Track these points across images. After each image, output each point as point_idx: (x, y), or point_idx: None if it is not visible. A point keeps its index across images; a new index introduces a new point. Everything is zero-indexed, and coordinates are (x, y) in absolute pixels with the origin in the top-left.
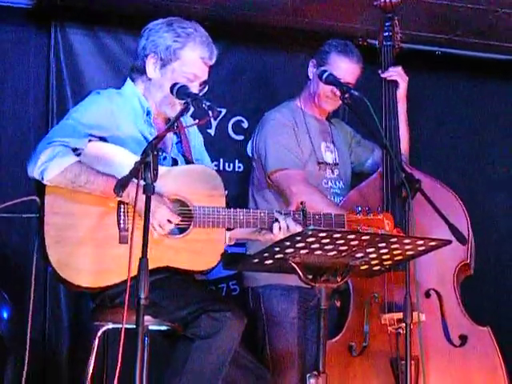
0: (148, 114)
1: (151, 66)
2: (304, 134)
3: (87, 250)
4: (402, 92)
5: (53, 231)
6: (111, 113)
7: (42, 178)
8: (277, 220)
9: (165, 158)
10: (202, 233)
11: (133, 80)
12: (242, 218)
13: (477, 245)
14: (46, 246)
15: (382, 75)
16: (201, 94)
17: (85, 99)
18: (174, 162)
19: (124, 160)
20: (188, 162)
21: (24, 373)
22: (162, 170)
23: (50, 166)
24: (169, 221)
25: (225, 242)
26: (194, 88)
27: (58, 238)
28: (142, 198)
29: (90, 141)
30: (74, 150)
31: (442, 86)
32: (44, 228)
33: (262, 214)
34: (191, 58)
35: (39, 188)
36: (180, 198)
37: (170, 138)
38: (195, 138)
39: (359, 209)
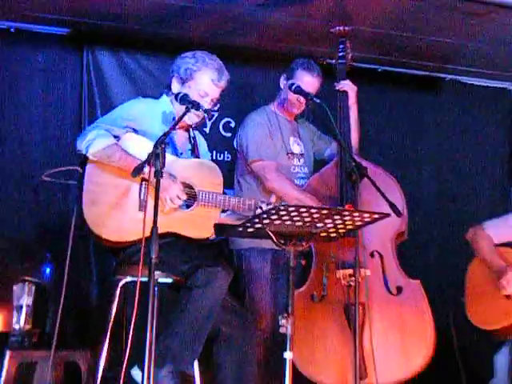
0: (173, 119)
1: (175, 84)
2: (277, 131)
3: (114, 213)
4: (351, 99)
5: (89, 196)
6: (145, 113)
7: (87, 151)
8: (260, 207)
9: (181, 154)
10: (202, 210)
11: (166, 94)
12: (234, 203)
13: (409, 217)
14: (83, 207)
15: (337, 87)
16: (215, 109)
17: (128, 101)
18: None
19: (146, 149)
20: None
21: (58, 316)
22: (178, 161)
23: (95, 142)
24: (178, 197)
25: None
26: (205, 103)
27: (92, 201)
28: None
29: (126, 132)
30: (115, 136)
31: (383, 97)
32: (83, 193)
33: (250, 202)
34: (203, 80)
35: (82, 161)
36: (188, 182)
37: (184, 143)
38: (202, 145)
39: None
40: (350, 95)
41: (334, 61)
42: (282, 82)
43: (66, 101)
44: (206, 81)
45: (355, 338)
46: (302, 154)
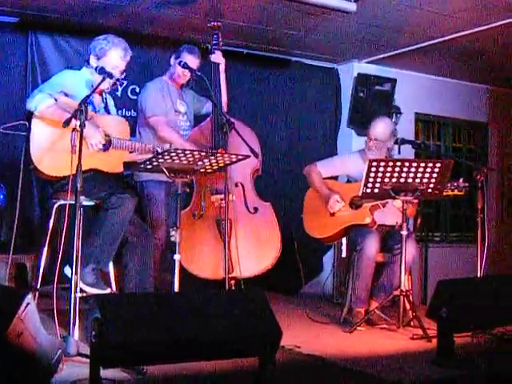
0: (92, 86)
1: (92, 59)
2: (167, 95)
3: (53, 154)
4: (222, 68)
5: (34, 141)
6: (73, 81)
7: (36, 109)
8: (157, 151)
9: (98, 111)
10: (115, 152)
11: (86, 66)
12: (138, 147)
13: (263, 158)
14: (30, 151)
15: (211, 59)
16: (121, 77)
17: (59, 72)
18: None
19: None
20: None
21: (14, 228)
22: (98, 116)
23: (41, 102)
24: (99, 143)
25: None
26: (116, 74)
27: (37, 144)
28: (88, 129)
29: (61, 95)
30: (55, 99)
31: (247, 73)
32: (30, 141)
33: (149, 146)
34: (113, 56)
35: (28, 117)
36: (106, 131)
37: (99, 103)
38: (111, 104)
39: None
40: (221, 66)
41: (209, 45)
42: (172, 61)
43: (15, 74)
44: (115, 57)
45: (225, 244)
46: (185, 113)
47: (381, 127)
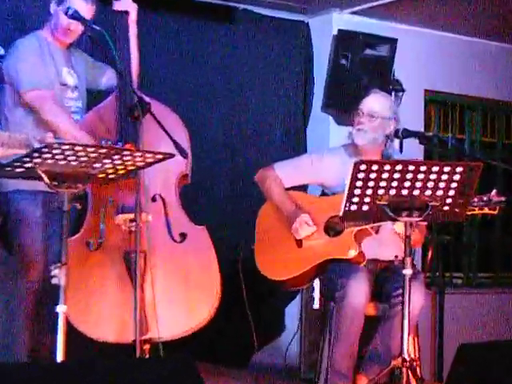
0: None
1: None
2: (49, 60)
3: None
4: (132, 17)
5: None
6: None
7: None
8: (32, 145)
9: None
10: None
11: None
12: (3, 139)
13: (194, 158)
14: None
15: (115, 7)
16: None
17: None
18: None
19: None
20: None
21: None
22: None
23: None
24: None
25: None
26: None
27: None
28: None
29: None
30: None
31: (169, 26)
32: None
33: (21, 138)
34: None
35: None
36: None
37: None
38: None
39: None
40: (130, 16)
41: None
42: (54, 7)
43: None
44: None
45: (136, 289)
46: (76, 87)
47: (377, 98)
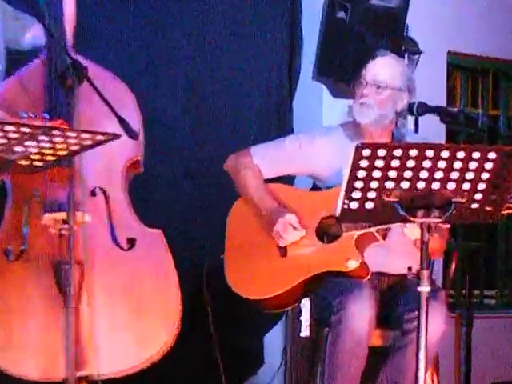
0: None
1: None
2: None
3: None
4: None
5: None
6: None
7: None
8: None
9: None
10: None
11: None
12: None
13: (147, 141)
14: None
15: None
16: None
17: None
18: None
19: None
20: None
21: None
22: None
23: None
24: None
25: None
26: None
27: None
28: None
29: None
30: None
31: None
32: None
33: None
34: None
35: None
36: None
37: None
38: None
39: None
40: None
41: None
42: None
43: None
44: None
45: (68, 312)
46: None
47: (386, 63)
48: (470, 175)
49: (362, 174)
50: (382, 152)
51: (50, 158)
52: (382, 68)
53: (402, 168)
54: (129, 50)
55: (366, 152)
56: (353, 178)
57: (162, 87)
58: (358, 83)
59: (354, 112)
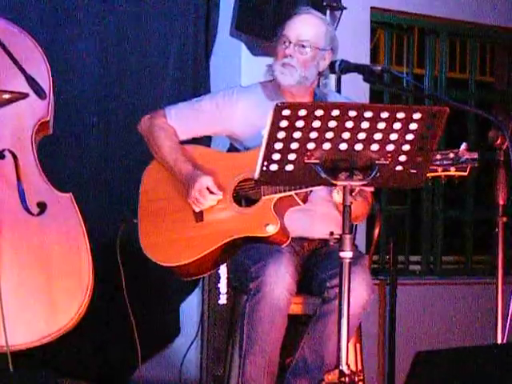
0: None
1: None
2: None
3: None
4: None
5: None
6: None
7: None
8: None
9: None
10: None
11: None
12: None
13: (57, 100)
14: None
15: None
16: None
17: None
18: None
19: None
20: None
21: None
22: None
23: None
24: None
25: None
26: None
27: None
28: None
29: None
30: None
31: None
32: None
33: None
34: None
35: None
36: None
37: None
38: None
39: None
40: None
41: None
42: None
43: None
44: None
45: None
46: None
47: (309, 20)
48: (394, 136)
49: (281, 134)
50: (302, 112)
51: None
52: (306, 26)
53: (323, 129)
54: (37, 5)
55: (286, 112)
56: (272, 139)
57: (71, 46)
58: (280, 42)
59: (275, 72)
